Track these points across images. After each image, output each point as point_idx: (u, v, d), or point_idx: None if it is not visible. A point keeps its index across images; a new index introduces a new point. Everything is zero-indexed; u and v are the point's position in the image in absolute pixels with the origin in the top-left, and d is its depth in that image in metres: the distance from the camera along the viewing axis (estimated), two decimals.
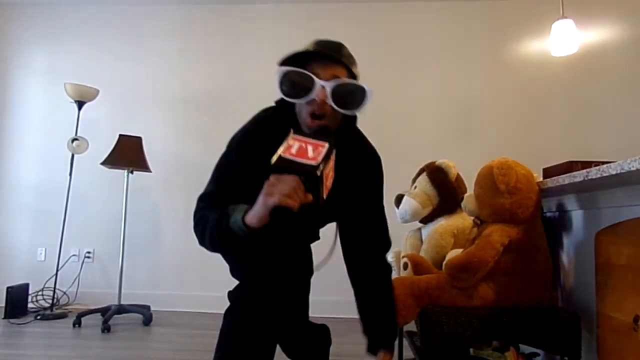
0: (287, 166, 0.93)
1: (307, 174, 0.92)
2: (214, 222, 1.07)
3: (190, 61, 3.86)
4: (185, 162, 3.72)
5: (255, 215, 0.98)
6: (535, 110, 3.58)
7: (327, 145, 0.96)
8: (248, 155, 1.18)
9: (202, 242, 1.14)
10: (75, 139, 3.36)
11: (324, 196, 0.97)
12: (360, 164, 1.31)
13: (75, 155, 3.39)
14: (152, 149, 3.42)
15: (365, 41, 3.74)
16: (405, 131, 3.60)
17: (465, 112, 3.62)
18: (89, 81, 3.46)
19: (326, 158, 0.94)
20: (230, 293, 1.24)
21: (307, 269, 1.38)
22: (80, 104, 3.38)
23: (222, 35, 3.86)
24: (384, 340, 1.32)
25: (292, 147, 0.95)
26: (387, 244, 1.38)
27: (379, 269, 1.36)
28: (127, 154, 3.22)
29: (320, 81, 1.12)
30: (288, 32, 3.81)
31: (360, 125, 1.38)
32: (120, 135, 3.26)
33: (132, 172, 3.26)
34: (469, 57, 3.67)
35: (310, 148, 0.95)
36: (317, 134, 1.05)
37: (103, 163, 3.17)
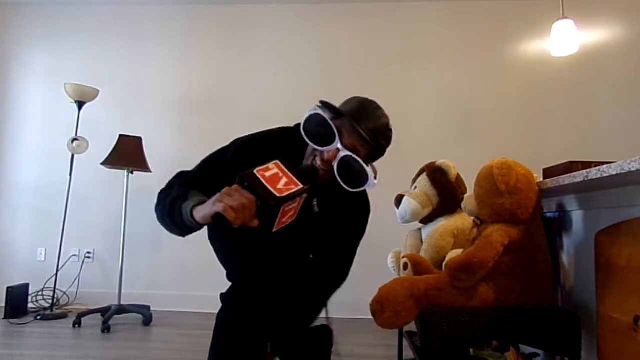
0: (251, 183, 0.93)
1: (264, 201, 0.91)
2: (174, 196, 1.11)
3: (190, 61, 3.86)
4: (185, 162, 3.67)
5: (201, 211, 1.01)
6: (535, 110, 3.58)
7: (300, 186, 0.95)
8: (243, 160, 1.17)
9: (156, 208, 1.17)
10: (76, 139, 3.36)
11: (274, 229, 0.96)
12: (349, 210, 1.33)
13: (76, 156, 3.39)
14: (152, 149, 3.42)
15: (365, 42, 3.75)
16: (405, 131, 3.58)
17: (465, 112, 3.62)
18: (89, 81, 3.46)
19: (292, 197, 0.93)
20: (222, 295, 1.26)
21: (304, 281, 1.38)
22: (80, 104, 3.39)
23: (222, 36, 3.86)
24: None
25: (269, 170, 0.96)
26: (338, 281, 1.38)
27: (316, 294, 1.35)
28: (127, 154, 3.22)
29: (339, 144, 1.14)
30: (287, 33, 3.82)
31: None
32: (120, 135, 3.26)
33: (132, 172, 3.26)
34: (469, 58, 3.68)
35: (284, 180, 0.95)
36: (303, 173, 1.03)
37: (103, 163, 3.17)
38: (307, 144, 1.22)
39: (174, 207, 1.08)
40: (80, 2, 3.91)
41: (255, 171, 0.94)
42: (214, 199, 0.97)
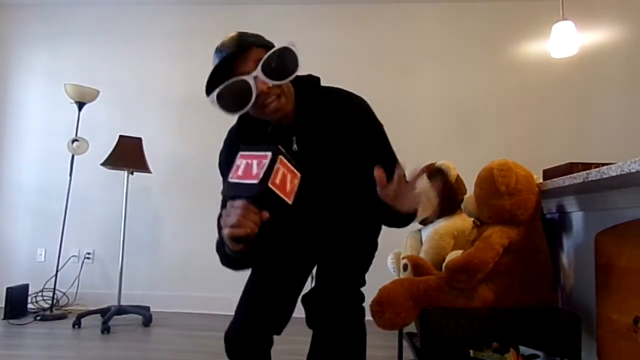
0: (233, 192, 0.92)
1: (252, 196, 0.90)
2: (219, 246, 1.06)
3: (190, 62, 3.86)
4: (185, 163, 3.72)
5: (228, 245, 0.96)
6: (535, 111, 3.58)
7: (269, 154, 0.91)
8: (228, 161, 1.09)
9: (221, 261, 1.13)
10: (76, 140, 3.36)
11: (290, 199, 0.93)
12: (337, 113, 1.21)
13: (76, 156, 3.39)
14: (152, 150, 3.42)
15: (366, 43, 3.76)
16: (405, 132, 3.59)
17: (465, 113, 3.62)
18: (89, 82, 3.46)
19: (269, 171, 0.90)
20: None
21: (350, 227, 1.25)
22: (80, 105, 3.39)
23: (223, 36, 3.85)
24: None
25: (239, 167, 0.93)
26: None
27: None
28: (127, 154, 3.22)
29: (249, 75, 1.09)
30: (288, 33, 3.81)
31: None
32: (120, 136, 3.26)
33: (132, 173, 3.26)
34: (470, 59, 3.68)
35: (254, 163, 0.92)
36: (263, 143, 1.04)
37: (103, 164, 3.17)
38: (251, 113, 1.17)
39: (225, 255, 1.04)
40: (80, 2, 3.91)
41: (229, 180, 0.93)
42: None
